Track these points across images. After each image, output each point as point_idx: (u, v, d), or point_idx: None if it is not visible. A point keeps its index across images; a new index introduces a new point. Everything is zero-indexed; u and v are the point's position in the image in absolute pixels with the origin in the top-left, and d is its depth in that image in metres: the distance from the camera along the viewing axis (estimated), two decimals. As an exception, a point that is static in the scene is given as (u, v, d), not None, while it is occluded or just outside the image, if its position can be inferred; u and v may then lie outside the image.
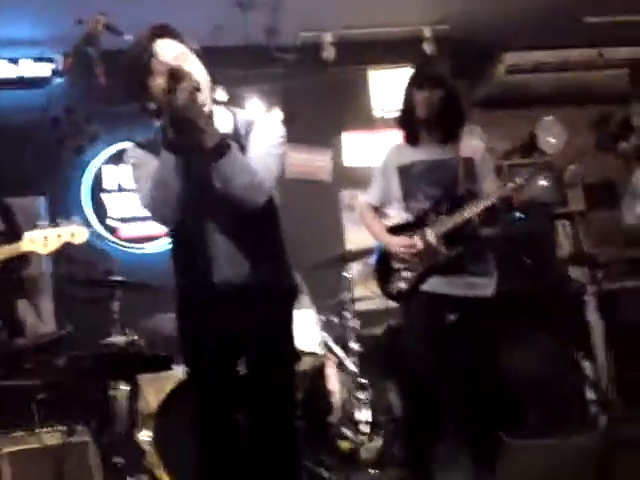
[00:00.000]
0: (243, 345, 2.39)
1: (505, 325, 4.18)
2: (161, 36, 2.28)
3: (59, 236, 3.11)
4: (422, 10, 5.51)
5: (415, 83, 3.31)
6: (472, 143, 3.38)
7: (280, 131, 2.41)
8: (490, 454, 3.12)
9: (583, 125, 5.63)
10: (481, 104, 5.97)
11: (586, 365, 4.55)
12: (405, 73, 5.65)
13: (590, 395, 4.45)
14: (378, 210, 3.52)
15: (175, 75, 2.08)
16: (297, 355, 2.54)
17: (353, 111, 5.77)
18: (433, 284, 3.22)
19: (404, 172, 3.34)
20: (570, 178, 5.88)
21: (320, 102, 5.62)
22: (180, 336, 2.50)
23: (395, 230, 3.39)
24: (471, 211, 3.13)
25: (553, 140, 5.98)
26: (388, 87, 5.75)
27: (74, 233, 3.15)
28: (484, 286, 3.24)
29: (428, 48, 5.73)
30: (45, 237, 3.11)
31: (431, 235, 3.21)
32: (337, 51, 5.65)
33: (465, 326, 3.22)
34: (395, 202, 3.41)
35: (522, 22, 5.38)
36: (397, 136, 3.59)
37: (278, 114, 5.16)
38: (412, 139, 3.38)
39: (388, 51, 5.75)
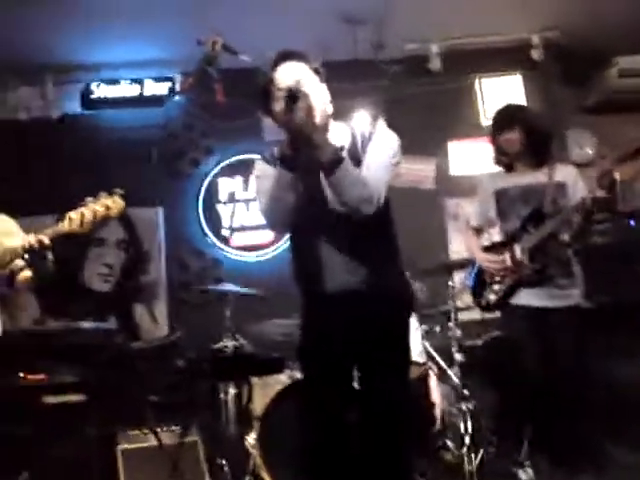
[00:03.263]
0: (358, 352, 2.44)
1: (612, 335, 4.18)
2: (285, 60, 2.44)
3: (94, 212, 2.82)
4: (530, 17, 5.42)
5: (495, 128, 3.74)
6: (565, 169, 3.71)
7: (396, 145, 2.49)
8: (590, 463, 3.24)
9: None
10: (593, 109, 5.81)
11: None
12: (513, 80, 5.69)
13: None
14: (479, 231, 3.92)
15: (292, 96, 2.21)
16: (409, 364, 2.57)
17: (460, 120, 5.75)
18: (522, 296, 3.54)
19: (500, 196, 3.72)
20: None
21: (427, 112, 5.63)
22: (299, 340, 2.58)
23: (490, 249, 3.79)
24: (553, 224, 3.45)
25: (668, 145, 5.73)
26: (495, 95, 5.69)
27: (109, 206, 2.84)
28: (567, 297, 3.50)
29: (537, 55, 5.63)
30: (82, 214, 2.82)
31: (518, 251, 3.56)
32: (443, 61, 5.65)
33: (555, 335, 3.46)
34: (493, 223, 3.84)
35: (634, 25, 5.19)
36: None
37: (383, 124, 5.24)
38: (507, 168, 3.78)
39: (495, 59, 5.70)
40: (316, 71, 2.47)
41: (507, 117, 3.70)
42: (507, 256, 3.61)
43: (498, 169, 3.84)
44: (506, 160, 3.75)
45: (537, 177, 3.62)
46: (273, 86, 2.40)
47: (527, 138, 3.61)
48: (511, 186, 3.67)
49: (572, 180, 3.60)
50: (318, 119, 2.25)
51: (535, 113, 3.84)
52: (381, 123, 2.52)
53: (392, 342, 2.45)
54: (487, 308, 3.74)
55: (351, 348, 2.41)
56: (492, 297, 3.65)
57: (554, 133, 3.90)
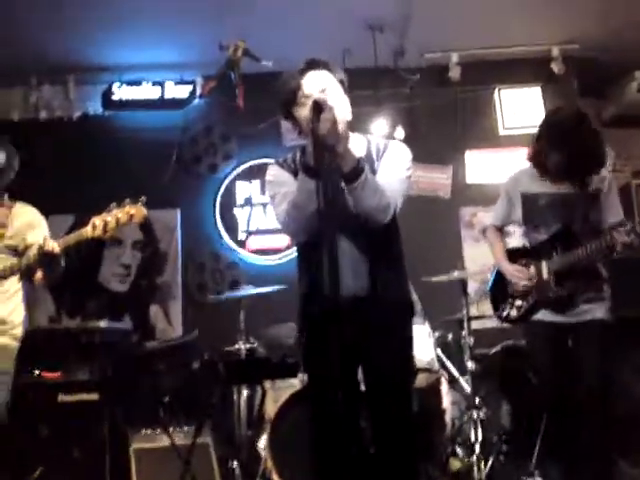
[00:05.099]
0: (362, 357, 2.48)
1: (634, 350, 4.16)
2: (313, 68, 2.49)
3: (118, 220, 2.90)
4: (551, 30, 5.45)
5: (547, 138, 3.34)
6: (600, 175, 3.39)
7: (409, 157, 2.56)
8: (600, 476, 3.15)
9: None
10: (610, 123, 5.80)
11: None
12: (532, 92, 5.70)
13: None
14: (500, 230, 3.68)
15: (318, 106, 2.25)
16: (414, 369, 2.61)
17: (478, 130, 5.77)
18: (545, 314, 3.37)
19: (529, 200, 3.46)
20: None
21: (445, 121, 5.68)
22: (303, 345, 2.61)
23: (513, 253, 3.55)
24: (586, 251, 3.21)
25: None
26: (514, 106, 5.72)
27: (132, 215, 2.91)
28: (593, 310, 3.30)
29: (556, 67, 5.64)
30: (105, 222, 2.90)
31: (545, 270, 3.35)
32: (462, 71, 5.67)
33: (581, 349, 3.31)
34: (516, 225, 3.60)
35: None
36: (521, 155, 3.68)
37: (402, 132, 5.27)
38: (542, 172, 3.43)
39: (515, 70, 5.73)
40: (341, 82, 2.52)
41: (562, 134, 3.26)
42: (533, 271, 3.41)
43: (527, 170, 3.51)
44: (540, 169, 3.42)
45: (571, 187, 3.35)
46: (300, 92, 2.45)
47: (572, 160, 3.25)
48: (542, 193, 3.40)
49: (606, 186, 3.35)
50: (341, 130, 2.30)
51: (596, 134, 3.35)
52: (397, 134, 2.56)
53: (394, 346, 2.49)
54: (507, 320, 3.55)
55: (355, 352, 2.43)
56: (513, 312, 3.48)
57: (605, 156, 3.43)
